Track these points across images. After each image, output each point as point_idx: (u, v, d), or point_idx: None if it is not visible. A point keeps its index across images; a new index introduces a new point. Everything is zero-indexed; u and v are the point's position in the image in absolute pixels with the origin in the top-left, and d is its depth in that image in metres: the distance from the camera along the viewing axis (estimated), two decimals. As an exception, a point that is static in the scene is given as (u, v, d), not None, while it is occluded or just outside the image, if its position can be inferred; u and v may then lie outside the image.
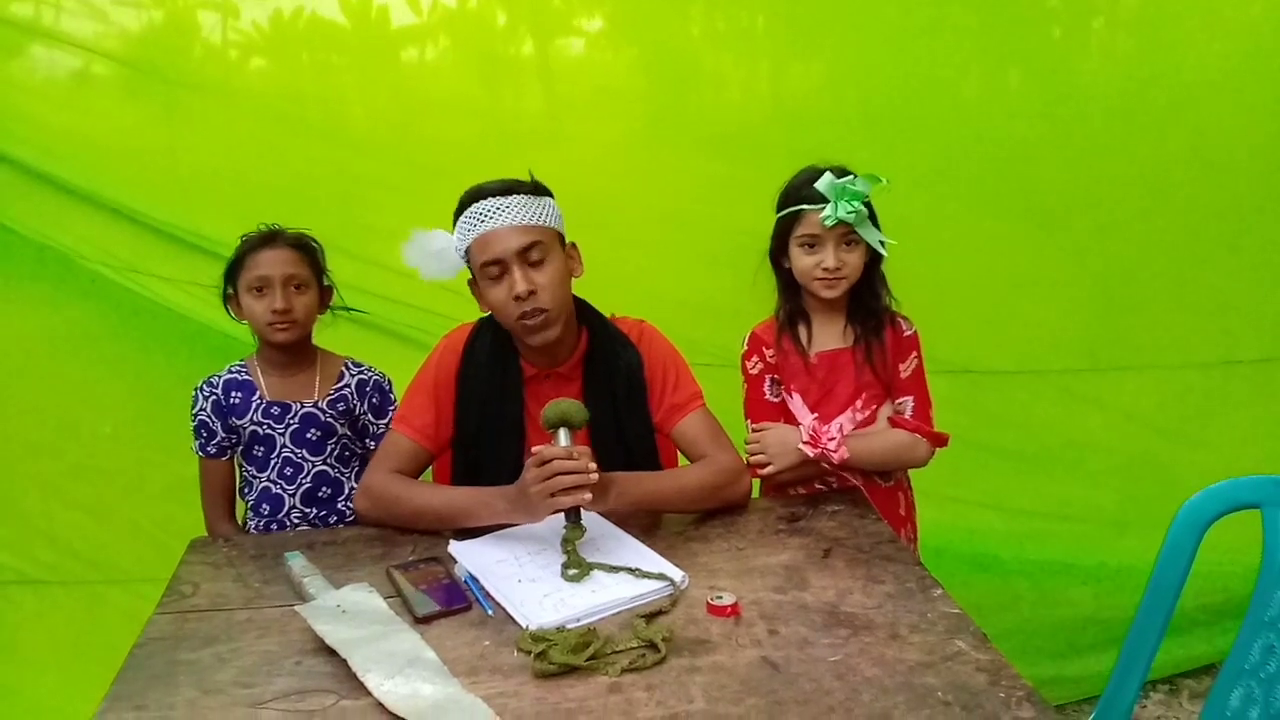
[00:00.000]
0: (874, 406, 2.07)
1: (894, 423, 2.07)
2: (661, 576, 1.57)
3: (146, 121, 2.46)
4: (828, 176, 1.90)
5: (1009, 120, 2.64)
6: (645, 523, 1.83)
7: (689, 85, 2.57)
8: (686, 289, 2.59)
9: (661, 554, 1.66)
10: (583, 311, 1.97)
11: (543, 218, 1.83)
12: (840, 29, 2.50)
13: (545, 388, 1.91)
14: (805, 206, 1.93)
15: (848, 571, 1.63)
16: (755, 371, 2.06)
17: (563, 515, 1.64)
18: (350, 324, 2.22)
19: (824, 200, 1.90)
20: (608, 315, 2.02)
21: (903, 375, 2.06)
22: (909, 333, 2.06)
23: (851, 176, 1.90)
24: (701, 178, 2.54)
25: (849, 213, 1.88)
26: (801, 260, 1.96)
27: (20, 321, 2.52)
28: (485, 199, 1.81)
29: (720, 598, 1.50)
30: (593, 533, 1.70)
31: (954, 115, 2.63)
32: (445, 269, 1.87)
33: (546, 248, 1.82)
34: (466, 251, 1.84)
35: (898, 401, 2.08)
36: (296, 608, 1.46)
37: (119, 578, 2.56)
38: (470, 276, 1.90)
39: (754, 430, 2.00)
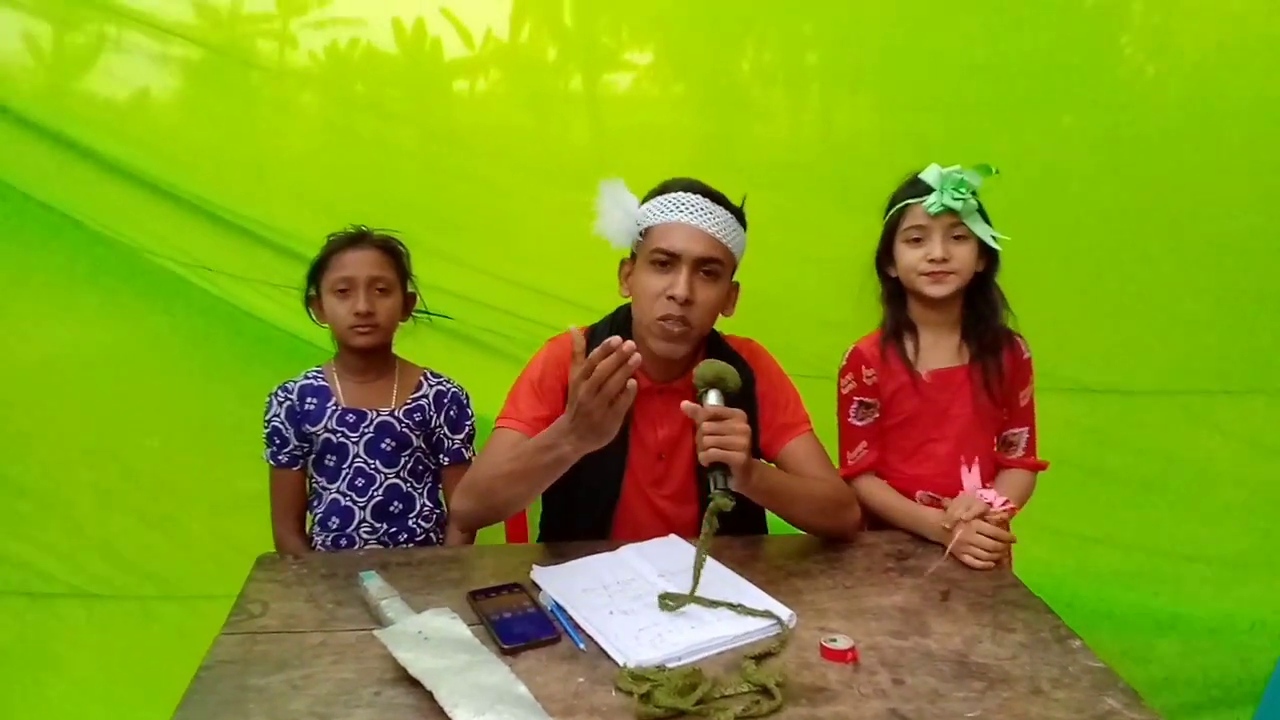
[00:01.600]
0: (993, 434, 1.98)
1: (1004, 463, 2.00)
2: (767, 614, 1.47)
3: (220, 114, 2.44)
4: (934, 166, 1.86)
5: (1093, 141, 2.52)
6: (740, 554, 1.73)
7: (737, 119, 2.57)
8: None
9: (762, 589, 1.56)
10: None
11: (734, 243, 1.79)
12: (893, 63, 2.46)
13: (655, 404, 1.83)
14: (910, 200, 1.88)
15: (972, 617, 1.51)
16: (846, 391, 1.98)
17: (709, 483, 1.51)
18: (429, 331, 2.16)
19: (930, 191, 1.85)
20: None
21: (1021, 403, 1.99)
22: (1027, 355, 1.97)
23: (958, 167, 1.85)
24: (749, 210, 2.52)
25: (955, 199, 1.82)
26: (907, 255, 1.89)
27: (81, 318, 2.48)
28: (694, 194, 1.75)
29: (835, 640, 1.39)
30: (683, 564, 1.60)
31: (1015, 148, 2.48)
32: (618, 230, 1.78)
33: (722, 271, 1.77)
34: (645, 231, 1.77)
35: (1011, 432, 2.00)
36: (375, 632, 1.37)
37: (175, 593, 2.50)
38: (627, 257, 1.84)
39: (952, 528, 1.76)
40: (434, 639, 1.38)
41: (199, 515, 2.52)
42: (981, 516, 1.73)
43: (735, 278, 1.85)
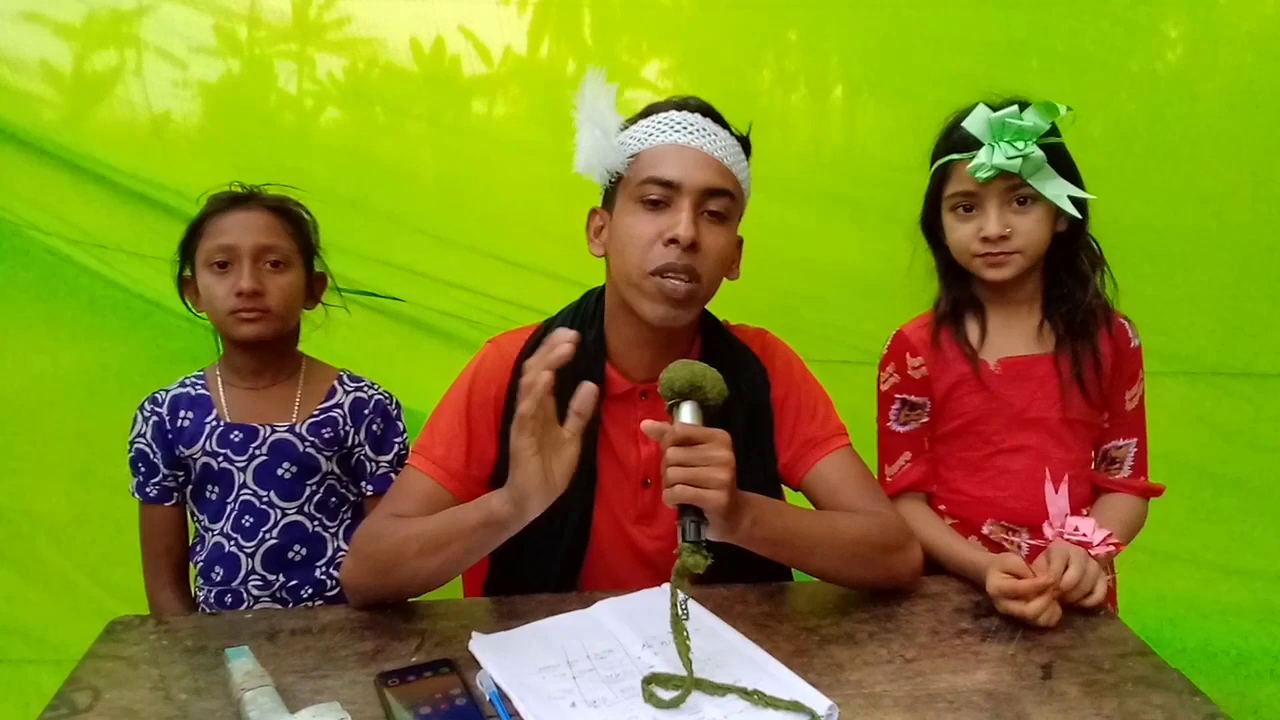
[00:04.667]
0: (1088, 445, 1.61)
1: (1105, 484, 1.64)
2: (797, 707, 1.09)
3: (239, 138, 2.36)
4: (980, 111, 1.48)
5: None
6: (756, 610, 1.35)
7: (756, 132, 2.40)
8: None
9: (789, 666, 1.18)
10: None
11: (744, 177, 1.46)
12: (918, 68, 2.29)
13: (636, 412, 1.46)
14: (955, 155, 1.51)
15: (1089, 704, 1.13)
16: (886, 387, 1.65)
17: (678, 536, 1.16)
18: (378, 319, 1.96)
19: (978, 146, 1.47)
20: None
21: (1128, 405, 1.62)
22: (1136, 342, 1.59)
23: (1014, 107, 1.46)
24: (766, 223, 2.31)
25: (1011, 158, 1.45)
26: (956, 230, 1.55)
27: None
28: (689, 111, 1.42)
29: (897, 747, 1.01)
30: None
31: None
32: (591, 156, 1.43)
33: (731, 209, 1.43)
34: (632, 159, 1.42)
35: (1114, 445, 1.63)
36: (223, 746, 1.00)
37: (53, 657, 2.19)
38: (598, 205, 1.50)
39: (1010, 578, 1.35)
40: (308, 754, 1.01)
41: (85, 558, 2.25)
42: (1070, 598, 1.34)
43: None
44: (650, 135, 1.41)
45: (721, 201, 1.39)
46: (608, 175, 1.45)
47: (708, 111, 1.44)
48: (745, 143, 1.48)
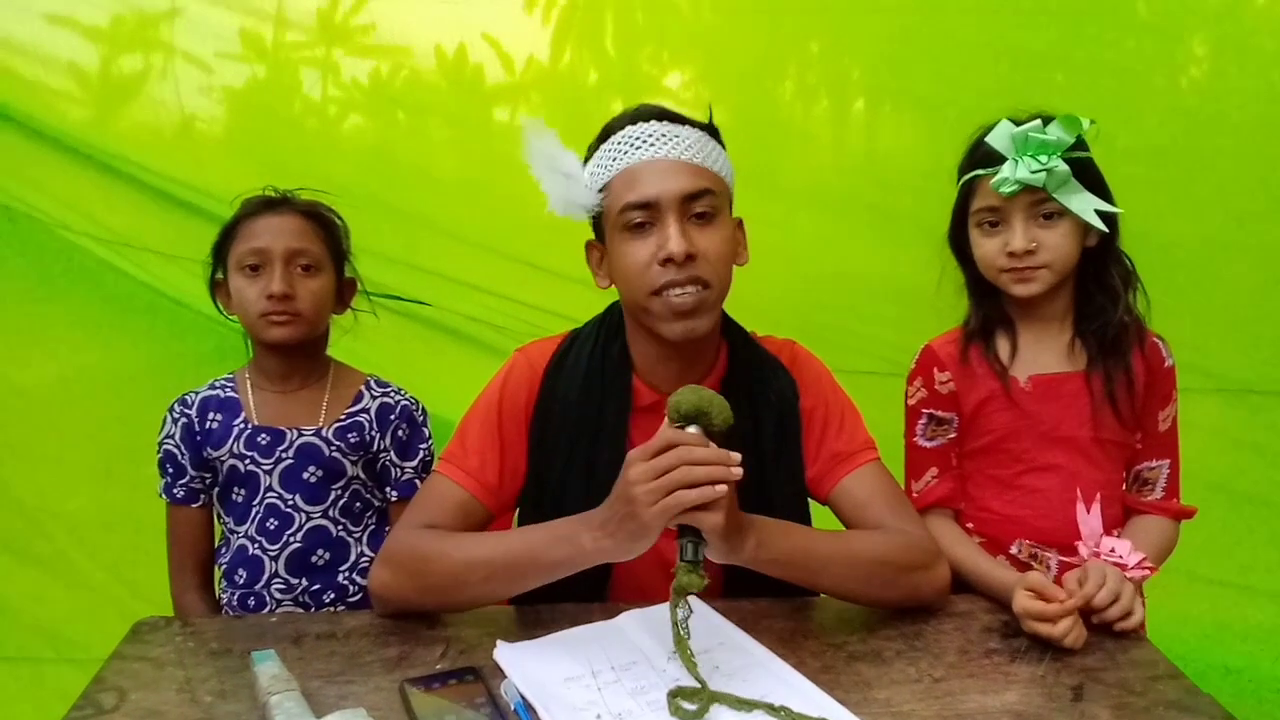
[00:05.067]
0: (1120, 465, 1.61)
1: (1136, 506, 1.62)
2: (824, 723, 1.09)
3: (264, 143, 2.38)
4: (1003, 126, 1.48)
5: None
6: (782, 626, 1.35)
7: (779, 143, 2.49)
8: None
9: (816, 682, 1.18)
10: (723, 322, 1.52)
11: (720, 167, 1.42)
12: (941, 80, 2.30)
13: (663, 424, 1.45)
14: (980, 171, 1.51)
15: (1121, 728, 1.12)
16: (914, 402, 1.64)
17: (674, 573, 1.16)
18: (398, 318, 1.96)
19: (1002, 160, 1.48)
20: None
21: (1161, 426, 1.60)
22: (1170, 362, 1.58)
23: (1037, 121, 1.46)
24: (791, 233, 2.36)
25: (1034, 172, 1.44)
26: (982, 245, 1.55)
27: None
28: (650, 121, 1.39)
29: (926, 768, 1.01)
30: (708, 641, 1.24)
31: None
32: (570, 199, 1.42)
33: (717, 203, 1.39)
34: (603, 191, 1.40)
35: (1147, 466, 1.62)
36: (249, 750, 1.01)
37: (74, 656, 2.22)
38: (592, 239, 1.49)
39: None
40: (334, 759, 1.01)
41: (108, 558, 2.28)
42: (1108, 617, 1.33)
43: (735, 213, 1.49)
44: (615, 160, 1.39)
45: (705, 202, 1.37)
46: (588, 214, 1.44)
47: (663, 115, 1.41)
48: (712, 129, 1.45)
